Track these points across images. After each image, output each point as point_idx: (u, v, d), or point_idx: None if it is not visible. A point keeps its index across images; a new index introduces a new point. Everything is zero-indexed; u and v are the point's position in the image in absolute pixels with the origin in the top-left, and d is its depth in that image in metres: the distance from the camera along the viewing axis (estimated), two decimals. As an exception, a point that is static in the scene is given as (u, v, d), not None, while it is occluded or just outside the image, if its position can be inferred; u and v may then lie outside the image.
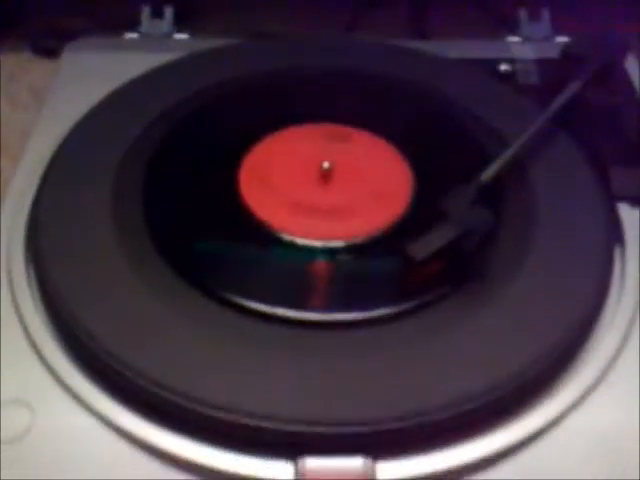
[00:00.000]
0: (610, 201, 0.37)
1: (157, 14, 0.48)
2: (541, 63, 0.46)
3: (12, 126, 0.48)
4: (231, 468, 0.27)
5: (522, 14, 0.49)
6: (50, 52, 0.53)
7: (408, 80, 0.42)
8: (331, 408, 0.28)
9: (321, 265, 0.35)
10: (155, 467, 0.27)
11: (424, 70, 0.43)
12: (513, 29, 0.49)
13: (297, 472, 0.27)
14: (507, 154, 0.36)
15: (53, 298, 0.32)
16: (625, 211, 0.37)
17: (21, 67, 0.54)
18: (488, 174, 0.35)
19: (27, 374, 0.30)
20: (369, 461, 0.27)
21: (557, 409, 0.29)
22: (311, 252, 0.35)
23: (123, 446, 0.28)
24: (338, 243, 0.35)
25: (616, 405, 0.29)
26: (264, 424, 0.27)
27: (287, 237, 0.35)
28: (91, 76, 0.43)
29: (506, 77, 0.45)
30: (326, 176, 0.37)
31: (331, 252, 0.35)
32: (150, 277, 0.32)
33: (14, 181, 0.38)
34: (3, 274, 0.33)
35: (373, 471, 0.27)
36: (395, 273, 0.34)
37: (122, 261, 0.33)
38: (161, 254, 0.33)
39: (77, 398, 0.29)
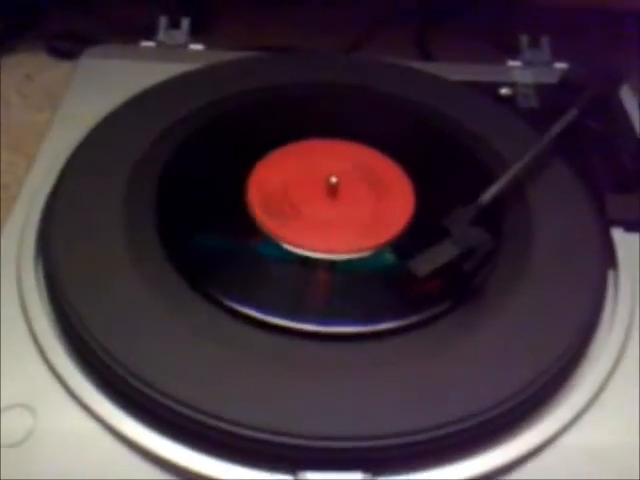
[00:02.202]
0: (605, 225, 0.36)
1: (174, 25, 0.47)
2: (540, 88, 0.45)
3: (26, 125, 0.47)
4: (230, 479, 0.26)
5: (523, 40, 0.48)
6: (65, 54, 0.51)
7: (414, 101, 0.41)
8: (331, 423, 0.27)
9: (323, 277, 0.33)
10: (155, 474, 0.26)
11: (430, 91, 0.42)
12: (514, 54, 0.48)
13: (296, 486, 0.25)
14: (506, 177, 0.35)
15: (62, 304, 0.30)
16: (619, 236, 0.36)
17: (36, 67, 0.52)
18: (488, 195, 0.34)
19: (32, 379, 0.28)
20: (369, 477, 0.26)
21: (551, 428, 0.28)
22: (313, 264, 0.33)
23: (125, 452, 0.27)
24: (340, 256, 0.34)
25: (610, 424, 0.28)
26: (264, 437, 0.26)
27: (292, 248, 0.34)
28: (107, 82, 0.42)
29: (506, 100, 0.44)
30: (332, 190, 0.36)
31: (332, 265, 0.33)
32: (164, 291, 0.31)
33: (29, 179, 0.36)
34: (12, 277, 0.32)
35: (373, 487, 0.26)
36: (396, 288, 0.32)
37: (135, 274, 0.31)
38: (177, 269, 0.32)
39: (81, 403, 0.27)
